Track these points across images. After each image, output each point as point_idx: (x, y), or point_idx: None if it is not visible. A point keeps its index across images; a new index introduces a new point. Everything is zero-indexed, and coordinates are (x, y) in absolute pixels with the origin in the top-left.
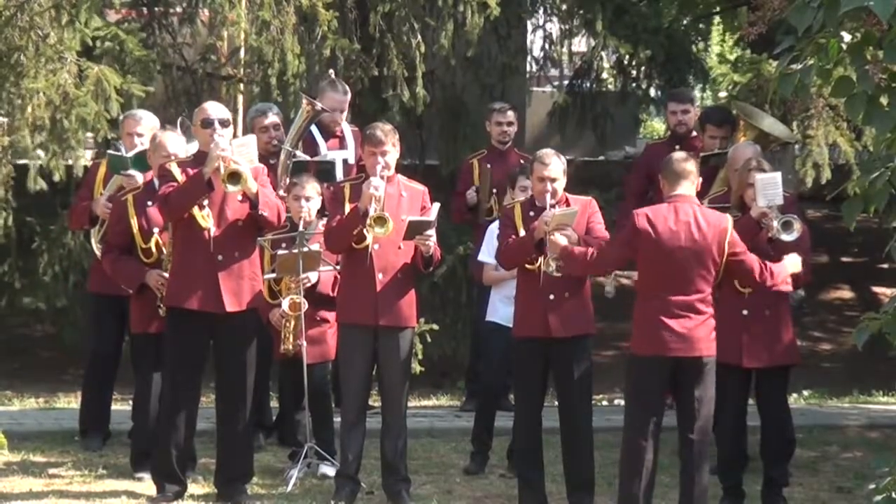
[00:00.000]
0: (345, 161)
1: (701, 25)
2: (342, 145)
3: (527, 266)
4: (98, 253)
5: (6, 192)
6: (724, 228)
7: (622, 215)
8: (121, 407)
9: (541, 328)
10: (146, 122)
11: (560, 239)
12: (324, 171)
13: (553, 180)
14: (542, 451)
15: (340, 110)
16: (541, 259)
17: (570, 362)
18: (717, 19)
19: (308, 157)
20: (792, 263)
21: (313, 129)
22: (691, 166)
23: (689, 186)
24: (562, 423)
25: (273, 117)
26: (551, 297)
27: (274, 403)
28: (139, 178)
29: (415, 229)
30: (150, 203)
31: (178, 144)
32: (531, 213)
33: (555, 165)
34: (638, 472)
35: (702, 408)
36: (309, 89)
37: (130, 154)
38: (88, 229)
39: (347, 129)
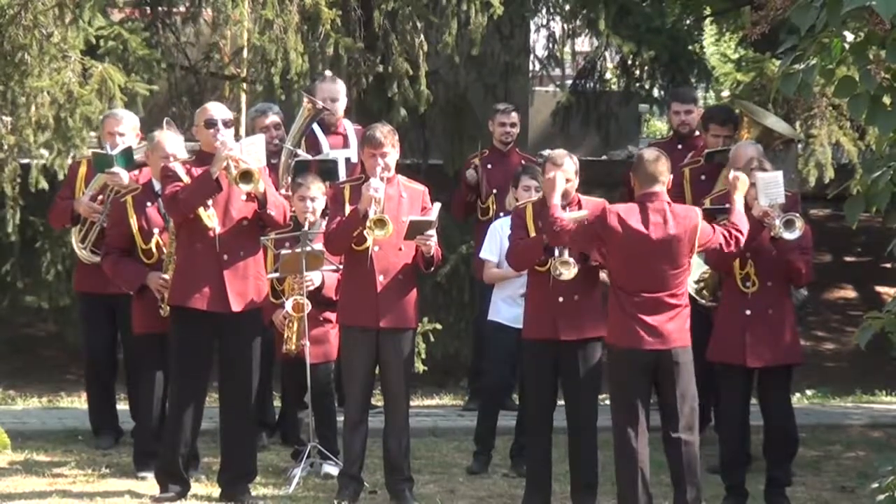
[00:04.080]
0: (347, 160)
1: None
2: (345, 144)
3: (537, 268)
4: (80, 253)
5: (13, 191)
6: (695, 225)
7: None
8: (123, 407)
9: (550, 330)
10: (127, 122)
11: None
12: (325, 170)
13: (566, 181)
14: (551, 452)
15: (332, 99)
16: (550, 261)
17: (579, 364)
18: (709, 19)
19: (310, 157)
20: (738, 201)
21: (315, 127)
22: (663, 167)
23: (660, 186)
24: (568, 423)
25: (273, 117)
26: (560, 299)
27: (277, 403)
28: (124, 175)
29: (416, 229)
30: (149, 204)
31: (177, 144)
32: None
33: (567, 167)
34: (633, 467)
35: (684, 406)
36: (312, 88)
37: (115, 152)
38: (69, 228)
39: (350, 128)
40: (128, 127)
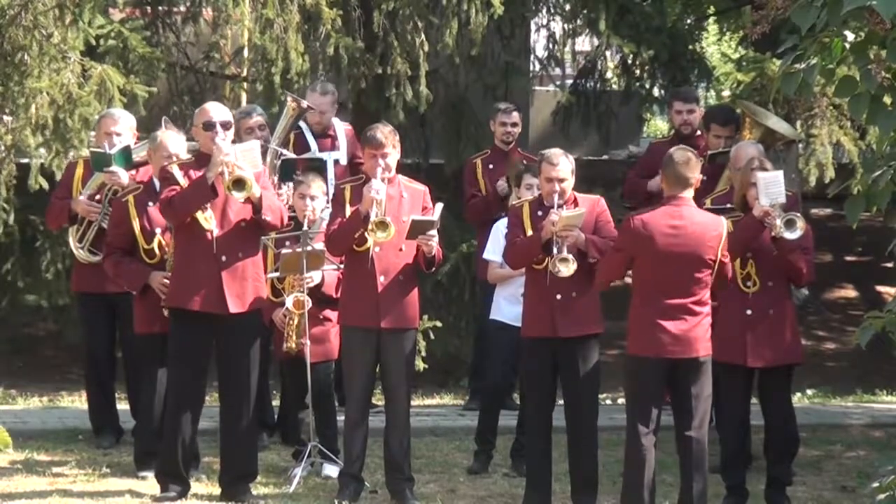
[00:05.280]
0: (336, 161)
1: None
2: (333, 146)
3: (534, 266)
4: (78, 253)
5: (8, 192)
6: (720, 234)
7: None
8: (123, 406)
9: (548, 328)
10: (124, 122)
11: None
12: (313, 169)
13: (561, 181)
14: (551, 452)
15: (321, 111)
16: (548, 259)
17: (577, 362)
18: (712, 18)
19: (295, 156)
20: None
21: (305, 129)
22: (693, 171)
23: (689, 191)
24: (568, 422)
25: (257, 118)
26: (558, 296)
27: (276, 402)
28: (122, 174)
29: (417, 229)
30: (150, 204)
31: (180, 144)
32: (539, 213)
33: (563, 166)
34: (641, 471)
35: (699, 405)
36: (303, 94)
37: (113, 150)
38: (67, 227)
39: (340, 129)
40: (124, 126)
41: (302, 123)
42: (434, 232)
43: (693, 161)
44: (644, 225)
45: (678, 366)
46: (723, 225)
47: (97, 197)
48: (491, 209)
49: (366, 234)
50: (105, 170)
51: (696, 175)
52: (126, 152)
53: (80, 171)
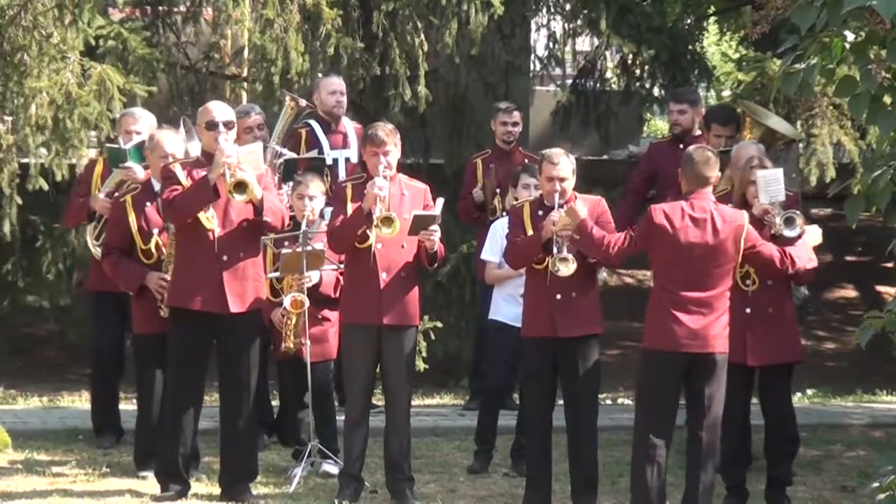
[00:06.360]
0: (347, 160)
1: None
2: (345, 144)
3: (534, 266)
4: (94, 251)
5: (11, 191)
6: (741, 225)
7: (621, 213)
8: (124, 406)
9: (548, 328)
10: (144, 120)
11: (581, 210)
12: (314, 168)
13: (562, 180)
14: (551, 452)
15: (341, 92)
16: (548, 259)
17: (577, 362)
18: (712, 18)
19: (296, 155)
20: (813, 237)
21: (316, 126)
22: (712, 169)
23: (708, 187)
24: (568, 422)
25: (256, 117)
26: (558, 296)
27: (275, 402)
28: (138, 170)
29: (420, 224)
30: (148, 204)
31: (177, 144)
32: (539, 213)
33: (564, 165)
34: (651, 470)
35: (712, 405)
36: (317, 84)
37: (128, 146)
38: (86, 225)
39: (350, 128)
40: (144, 125)
41: (313, 122)
42: (436, 227)
43: (713, 160)
44: (665, 216)
45: (694, 362)
46: (744, 217)
47: (115, 194)
48: (470, 211)
49: (370, 230)
50: (121, 166)
51: (715, 173)
52: (141, 148)
53: (99, 168)
